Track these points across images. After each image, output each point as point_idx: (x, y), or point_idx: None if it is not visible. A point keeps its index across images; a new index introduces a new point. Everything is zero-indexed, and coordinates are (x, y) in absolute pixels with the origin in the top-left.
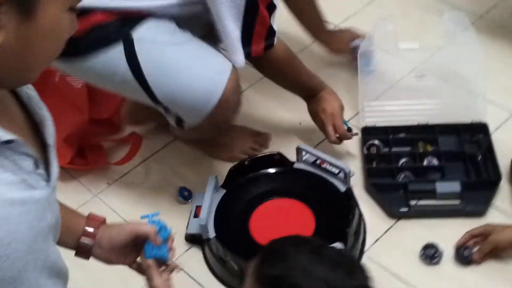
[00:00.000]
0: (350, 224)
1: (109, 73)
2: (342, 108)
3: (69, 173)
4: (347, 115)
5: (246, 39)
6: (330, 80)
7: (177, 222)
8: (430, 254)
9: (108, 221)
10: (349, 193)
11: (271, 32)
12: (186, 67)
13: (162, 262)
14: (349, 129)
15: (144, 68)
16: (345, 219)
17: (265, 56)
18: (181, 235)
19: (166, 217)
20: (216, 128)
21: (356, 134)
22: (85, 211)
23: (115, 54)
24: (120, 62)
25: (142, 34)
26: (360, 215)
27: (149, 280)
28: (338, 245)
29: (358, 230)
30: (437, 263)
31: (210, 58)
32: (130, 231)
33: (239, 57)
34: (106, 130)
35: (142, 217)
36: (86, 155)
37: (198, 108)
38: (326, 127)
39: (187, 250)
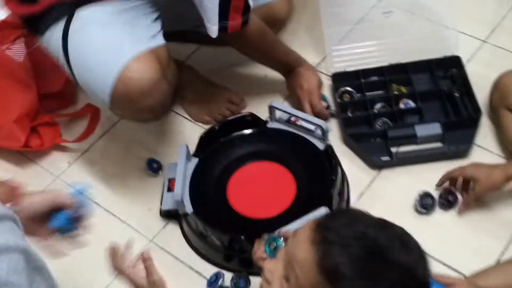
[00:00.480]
0: (333, 185)
1: (56, 51)
2: (320, 84)
3: (26, 156)
4: (313, 61)
5: (223, 11)
6: (292, 26)
7: (149, 197)
8: (429, 204)
9: None
10: (329, 152)
11: (247, 7)
12: (93, 49)
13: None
14: (328, 106)
15: (69, 47)
16: (328, 179)
17: (240, 32)
18: (155, 211)
19: (136, 193)
20: (148, 117)
21: (334, 112)
22: None
23: (57, 33)
24: (59, 40)
25: (83, 13)
26: (343, 172)
27: (149, 274)
28: (323, 209)
29: (342, 190)
30: (432, 212)
31: (122, 40)
32: (47, 199)
33: (213, 27)
34: (58, 104)
35: (71, 185)
36: (40, 135)
37: (101, 91)
38: (303, 104)
39: (164, 226)
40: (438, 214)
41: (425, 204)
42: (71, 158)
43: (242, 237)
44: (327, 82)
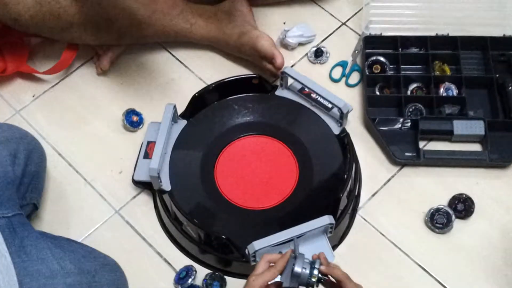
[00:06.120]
0: (344, 187)
1: None
2: None
3: None
4: (347, 14)
5: None
6: None
7: (123, 156)
8: (442, 222)
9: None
10: (345, 141)
11: None
12: None
13: None
14: None
15: None
16: (338, 178)
17: None
18: (127, 176)
19: (108, 149)
20: None
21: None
22: None
23: None
24: None
25: None
26: (357, 166)
27: None
28: (326, 219)
29: (353, 188)
30: (449, 229)
31: None
32: None
33: None
34: None
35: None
36: (4, 57)
37: None
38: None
39: (134, 196)
40: (457, 231)
41: (437, 220)
42: (36, 91)
43: (224, 237)
44: (355, 43)
